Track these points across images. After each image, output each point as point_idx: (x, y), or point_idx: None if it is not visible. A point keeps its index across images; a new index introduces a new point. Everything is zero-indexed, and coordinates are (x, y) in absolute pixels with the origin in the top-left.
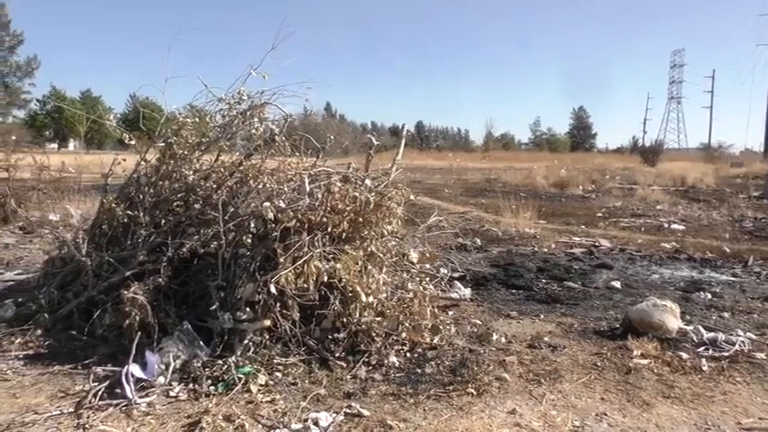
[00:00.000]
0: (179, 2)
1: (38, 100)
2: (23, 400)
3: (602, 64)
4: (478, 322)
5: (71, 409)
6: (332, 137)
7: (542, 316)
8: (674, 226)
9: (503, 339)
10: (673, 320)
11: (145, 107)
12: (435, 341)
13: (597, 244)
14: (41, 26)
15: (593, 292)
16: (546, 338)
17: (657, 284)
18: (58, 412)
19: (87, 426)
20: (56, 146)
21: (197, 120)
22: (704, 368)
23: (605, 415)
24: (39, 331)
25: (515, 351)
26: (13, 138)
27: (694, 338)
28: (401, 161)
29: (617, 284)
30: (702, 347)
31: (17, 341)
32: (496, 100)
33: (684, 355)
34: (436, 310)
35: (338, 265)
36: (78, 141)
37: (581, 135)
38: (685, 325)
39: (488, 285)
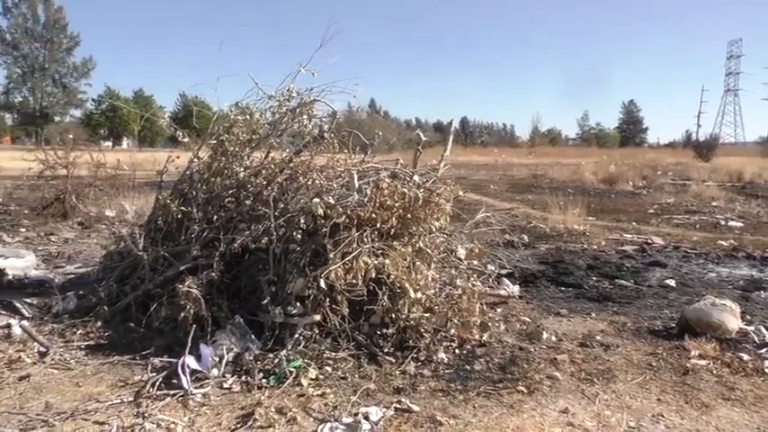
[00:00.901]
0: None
1: (93, 99)
2: (86, 389)
3: (653, 56)
4: (528, 320)
5: (130, 398)
6: (380, 133)
7: (594, 314)
8: (732, 223)
9: (553, 338)
10: (732, 320)
11: (195, 105)
12: (484, 338)
13: (649, 241)
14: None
15: (647, 290)
16: (598, 337)
17: (714, 283)
18: (119, 401)
19: (146, 414)
20: (110, 144)
21: (248, 117)
22: (767, 370)
23: (662, 416)
24: (99, 323)
25: (566, 350)
26: (71, 136)
27: (755, 339)
28: (448, 157)
29: (671, 283)
30: (764, 349)
31: (79, 332)
32: (543, 95)
33: (745, 357)
34: (485, 306)
35: (387, 261)
36: (131, 139)
37: (631, 130)
38: (746, 325)
39: (537, 283)
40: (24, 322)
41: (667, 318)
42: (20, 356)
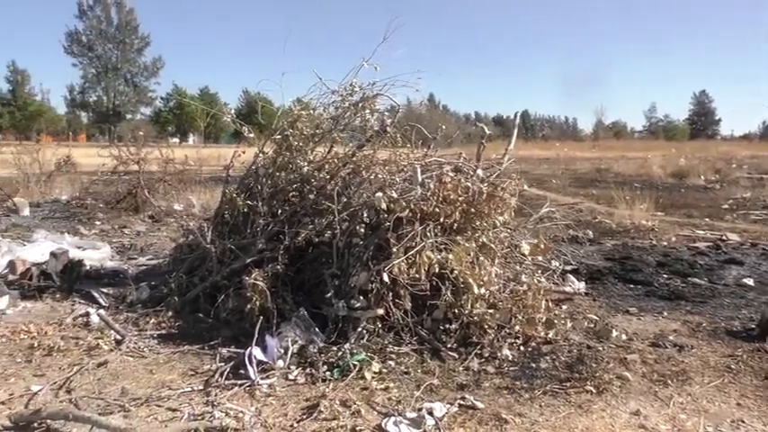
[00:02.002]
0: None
1: (162, 97)
2: (159, 376)
3: (727, 43)
4: (595, 317)
5: (200, 387)
6: (443, 126)
7: (665, 313)
8: None
9: (623, 336)
10: None
11: (256, 102)
12: (550, 335)
13: (724, 238)
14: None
15: (722, 289)
16: (671, 337)
17: None
18: (189, 389)
19: (216, 403)
20: (177, 140)
21: (311, 112)
22: None
23: (742, 422)
24: (170, 313)
25: (637, 349)
26: (141, 133)
27: None
28: (511, 150)
29: (749, 282)
30: None
31: (151, 321)
32: (606, 86)
33: None
34: (550, 303)
35: (450, 256)
36: (197, 135)
37: (702, 121)
38: None
39: (604, 279)
40: (102, 311)
41: (746, 318)
42: (98, 344)
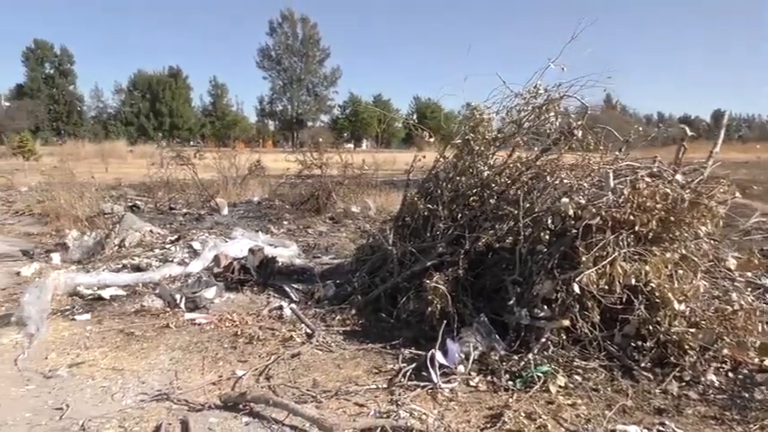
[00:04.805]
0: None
1: (339, 105)
2: (346, 372)
3: None
4: None
5: (384, 385)
6: (640, 128)
7: None
8: None
9: None
10: None
11: (426, 108)
12: (765, 363)
13: None
14: (340, 37)
15: None
16: None
17: None
18: (374, 386)
19: (399, 402)
20: (351, 145)
21: (493, 115)
22: None
23: None
24: (353, 311)
25: None
26: (320, 140)
27: None
28: (716, 153)
29: None
30: None
31: (337, 318)
32: None
33: None
34: (766, 326)
35: (646, 268)
36: (370, 141)
37: None
38: None
39: None
40: (293, 305)
41: None
42: (291, 336)
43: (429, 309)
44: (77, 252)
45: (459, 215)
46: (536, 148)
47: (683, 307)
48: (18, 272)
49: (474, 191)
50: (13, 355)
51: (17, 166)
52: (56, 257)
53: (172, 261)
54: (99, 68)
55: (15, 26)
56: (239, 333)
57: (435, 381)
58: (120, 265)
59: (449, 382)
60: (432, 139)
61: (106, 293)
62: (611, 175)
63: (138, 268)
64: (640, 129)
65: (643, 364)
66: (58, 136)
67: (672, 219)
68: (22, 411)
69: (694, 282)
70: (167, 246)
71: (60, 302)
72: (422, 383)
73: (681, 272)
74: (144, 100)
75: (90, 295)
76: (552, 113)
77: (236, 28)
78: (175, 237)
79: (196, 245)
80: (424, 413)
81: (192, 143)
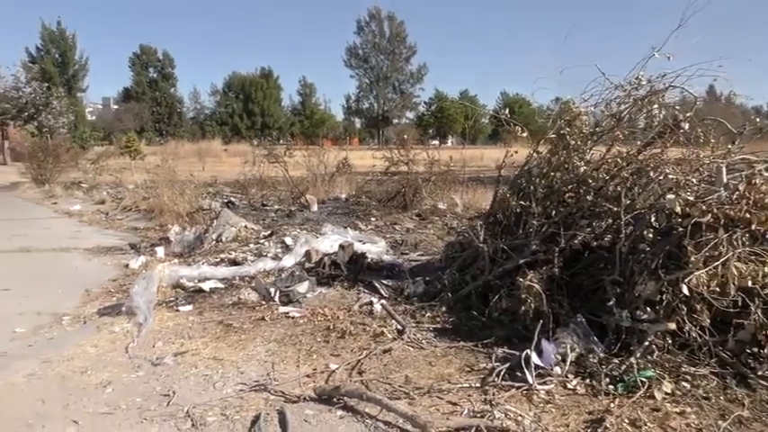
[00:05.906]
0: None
1: (425, 102)
2: (437, 369)
3: None
4: None
5: (477, 384)
6: (757, 119)
7: None
8: None
9: None
10: None
11: (514, 102)
12: None
13: None
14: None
15: None
16: None
17: None
18: (467, 385)
19: (493, 402)
20: (437, 142)
21: (592, 109)
22: None
23: None
24: (443, 308)
25: None
26: (406, 137)
27: None
28: None
29: None
30: None
31: (427, 315)
32: None
33: None
34: None
35: (765, 269)
36: (455, 137)
37: None
38: None
39: None
40: (383, 301)
41: None
42: (382, 331)
43: (522, 308)
44: (179, 246)
45: (554, 212)
46: (638, 143)
47: None
48: (126, 264)
49: (569, 187)
50: (125, 342)
51: (125, 165)
52: (160, 251)
53: (266, 256)
54: (197, 71)
55: (124, 32)
56: (331, 327)
57: (531, 382)
58: (218, 259)
59: (544, 383)
60: (524, 134)
61: (206, 286)
62: (723, 169)
63: (234, 262)
64: (757, 120)
65: (760, 372)
66: (161, 136)
67: None
68: (133, 396)
69: None
70: (261, 241)
71: (165, 294)
72: (516, 384)
73: None
74: (237, 100)
75: (191, 287)
76: (656, 105)
77: (324, 28)
78: (269, 232)
79: (288, 240)
80: (520, 414)
81: (281, 141)
